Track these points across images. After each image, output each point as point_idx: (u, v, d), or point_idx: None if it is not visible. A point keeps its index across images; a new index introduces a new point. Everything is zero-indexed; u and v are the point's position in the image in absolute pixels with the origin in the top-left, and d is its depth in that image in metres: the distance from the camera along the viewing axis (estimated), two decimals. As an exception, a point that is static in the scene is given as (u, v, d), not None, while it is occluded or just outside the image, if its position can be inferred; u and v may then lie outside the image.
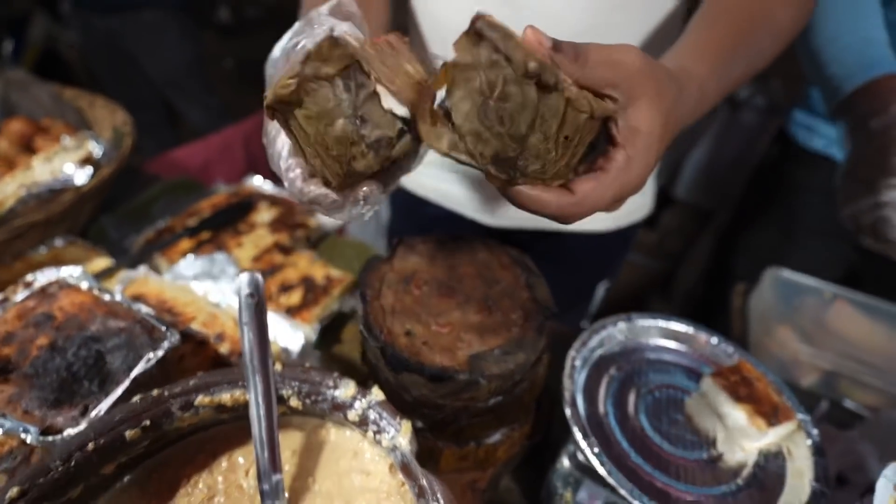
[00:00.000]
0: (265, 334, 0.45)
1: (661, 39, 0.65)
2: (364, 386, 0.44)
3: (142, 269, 0.68)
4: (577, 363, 0.56)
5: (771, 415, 0.52)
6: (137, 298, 0.63)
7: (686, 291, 2.05)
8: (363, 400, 0.41)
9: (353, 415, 0.41)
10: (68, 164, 0.85)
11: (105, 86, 1.93)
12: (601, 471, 0.46)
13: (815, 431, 0.52)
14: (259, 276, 0.46)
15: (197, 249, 0.88)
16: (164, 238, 0.91)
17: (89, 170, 0.86)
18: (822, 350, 0.78)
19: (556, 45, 0.29)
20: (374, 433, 0.40)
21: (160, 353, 0.48)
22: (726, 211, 1.83)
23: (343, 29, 0.32)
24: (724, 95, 0.50)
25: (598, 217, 0.89)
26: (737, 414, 0.53)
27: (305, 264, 0.86)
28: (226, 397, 0.42)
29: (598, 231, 0.86)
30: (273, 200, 1.03)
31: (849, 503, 0.59)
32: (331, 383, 0.42)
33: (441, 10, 0.70)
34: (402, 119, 0.30)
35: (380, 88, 0.29)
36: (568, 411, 0.51)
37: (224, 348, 0.58)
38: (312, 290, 0.82)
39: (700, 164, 2.20)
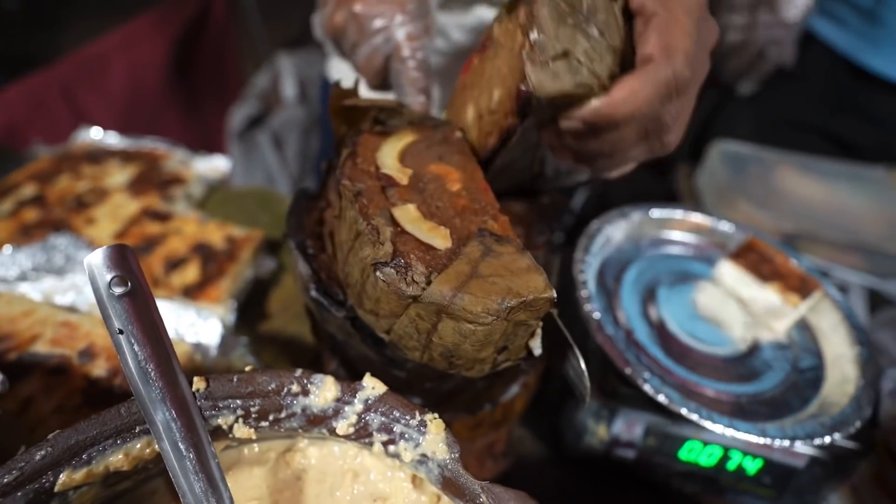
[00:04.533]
0: (160, 337, 0.27)
1: None
2: (341, 372, 0.29)
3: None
4: (587, 276, 0.46)
5: (801, 288, 0.46)
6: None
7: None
8: (356, 400, 0.26)
9: (344, 426, 0.27)
10: None
11: None
12: (661, 399, 0.38)
13: (839, 295, 0.48)
14: (124, 248, 0.28)
15: (23, 237, 0.62)
16: (-35, 231, 0.63)
17: None
18: (780, 213, 0.76)
19: None
20: (385, 444, 0.26)
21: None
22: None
23: None
24: None
25: None
26: (765, 295, 0.47)
27: (194, 228, 0.65)
28: (117, 459, 0.25)
29: None
30: (126, 156, 0.77)
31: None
32: (296, 388, 0.27)
33: None
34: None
35: None
36: (599, 338, 0.41)
37: (99, 369, 0.38)
38: (213, 260, 0.61)
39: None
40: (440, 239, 0.28)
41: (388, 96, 0.40)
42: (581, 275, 0.45)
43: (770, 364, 0.45)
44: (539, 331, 0.28)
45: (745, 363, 0.45)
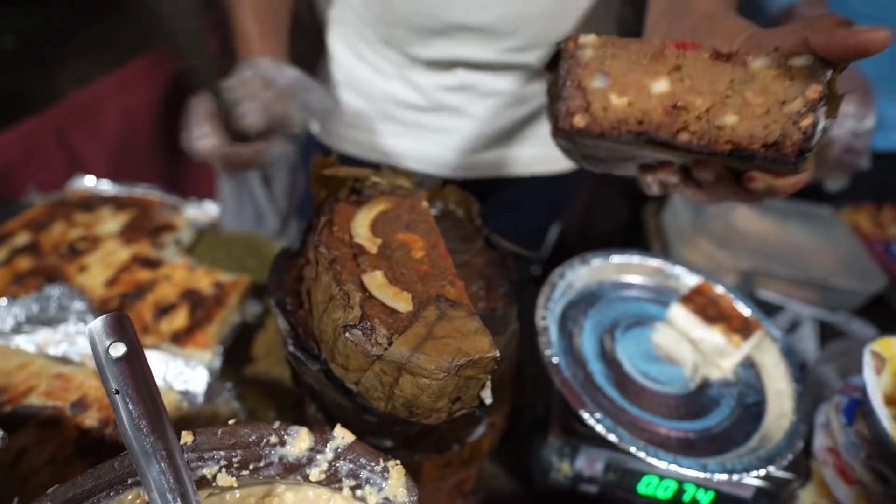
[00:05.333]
0: (153, 397, 0.30)
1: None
2: (317, 423, 0.32)
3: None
4: (549, 322, 0.50)
5: (742, 329, 0.51)
6: (-73, 380, 0.43)
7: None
8: (327, 449, 0.30)
9: (316, 473, 0.30)
10: None
11: None
12: (612, 438, 0.41)
13: (779, 334, 0.53)
14: (122, 317, 0.31)
15: (16, 285, 0.65)
16: (-40, 280, 0.65)
17: None
18: (738, 251, 0.81)
19: None
20: (353, 489, 0.30)
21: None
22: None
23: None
24: None
25: (557, 156, 0.84)
26: (712, 336, 0.51)
27: (183, 275, 0.68)
28: (112, 508, 0.28)
29: (556, 172, 0.82)
30: (118, 203, 0.80)
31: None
32: (273, 438, 0.30)
33: None
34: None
35: None
36: (557, 381, 0.45)
37: (90, 419, 0.41)
38: (201, 306, 0.64)
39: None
40: (403, 303, 0.32)
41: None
42: (542, 321, 0.49)
43: (717, 401, 0.49)
44: (488, 383, 0.32)
45: (695, 400, 0.49)
